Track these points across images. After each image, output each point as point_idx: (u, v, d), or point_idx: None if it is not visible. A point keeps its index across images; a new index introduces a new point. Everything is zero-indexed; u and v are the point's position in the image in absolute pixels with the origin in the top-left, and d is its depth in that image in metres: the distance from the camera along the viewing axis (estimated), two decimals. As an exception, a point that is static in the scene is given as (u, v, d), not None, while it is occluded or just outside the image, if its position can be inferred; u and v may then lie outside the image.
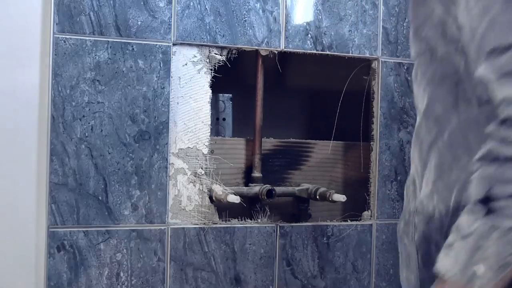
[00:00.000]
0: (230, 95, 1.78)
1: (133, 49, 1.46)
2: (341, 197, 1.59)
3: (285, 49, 1.61)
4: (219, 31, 1.54)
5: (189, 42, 1.52)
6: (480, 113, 0.87)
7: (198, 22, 1.52)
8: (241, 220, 1.60)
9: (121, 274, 1.46)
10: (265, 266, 1.60)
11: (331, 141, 1.76)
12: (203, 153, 1.56)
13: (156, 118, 1.49)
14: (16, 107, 1.41)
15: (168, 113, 1.50)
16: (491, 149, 0.78)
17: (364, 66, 1.74)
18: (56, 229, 1.41)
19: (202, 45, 1.54)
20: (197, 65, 1.55)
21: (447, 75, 0.91)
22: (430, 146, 0.95)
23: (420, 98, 0.98)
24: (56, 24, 1.40)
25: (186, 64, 1.54)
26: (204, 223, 1.55)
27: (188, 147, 1.54)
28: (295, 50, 1.62)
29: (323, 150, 1.77)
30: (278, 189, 1.65)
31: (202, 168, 1.56)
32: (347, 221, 1.71)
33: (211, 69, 1.57)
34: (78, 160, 1.42)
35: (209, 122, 1.57)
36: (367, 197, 1.74)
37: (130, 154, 1.46)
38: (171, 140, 1.51)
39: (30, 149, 1.42)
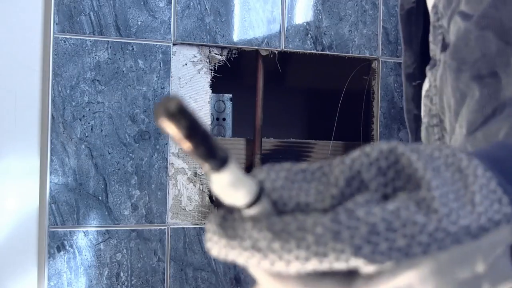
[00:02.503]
0: (230, 95, 1.78)
1: (133, 49, 1.46)
2: (341, 197, 1.59)
3: (285, 49, 1.61)
4: (219, 31, 1.54)
5: (189, 42, 1.52)
6: None
7: (198, 22, 1.52)
8: (241, 220, 1.60)
9: (121, 274, 1.46)
10: (265, 266, 1.60)
11: (331, 141, 1.76)
12: (203, 153, 1.56)
13: (156, 118, 1.49)
14: (17, 107, 1.41)
15: (168, 113, 1.50)
16: None
17: (364, 66, 1.74)
18: (56, 229, 1.41)
19: (202, 45, 1.54)
20: (197, 65, 1.55)
21: None
22: (479, 69, 0.62)
23: None
24: (56, 24, 1.40)
25: (186, 64, 1.54)
26: (204, 223, 1.55)
27: (188, 147, 1.54)
28: (295, 50, 1.62)
29: (323, 150, 1.77)
30: (278, 189, 1.65)
31: (202, 168, 1.56)
32: (347, 221, 1.70)
33: (211, 69, 1.57)
34: (78, 160, 1.42)
35: (209, 122, 1.57)
36: (367, 197, 1.73)
37: (130, 154, 1.46)
38: (171, 140, 1.51)
39: (30, 149, 1.42)
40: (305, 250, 0.33)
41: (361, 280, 0.35)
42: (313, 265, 0.33)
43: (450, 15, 0.68)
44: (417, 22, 0.88)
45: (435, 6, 0.72)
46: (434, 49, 0.73)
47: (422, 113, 0.80)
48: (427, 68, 0.75)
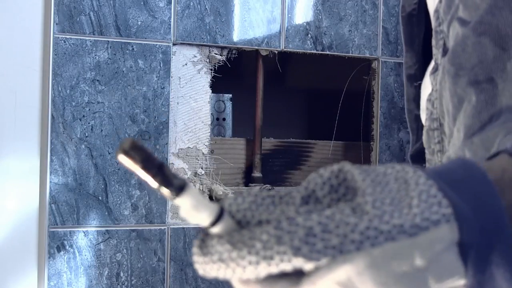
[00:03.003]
0: (230, 95, 1.78)
1: (133, 49, 1.46)
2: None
3: (285, 49, 1.61)
4: (219, 31, 1.54)
5: (189, 42, 1.52)
6: None
7: (198, 22, 1.52)
8: (241, 220, 1.60)
9: (121, 274, 1.46)
10: (265, 266, 1.60)
11: (331, 141, 1.76)
12: (203, 153, 1.56)
13: (156, 118, 1.49)
14: (17, 107, 1.41)
15: (168, 113, 1.50)
16: None
17: (364, 66, 1.74)
18: (56, 229, 1.41)
19: (202, 45, 1.54)
20: (197, 65, 1.55)
21: None
22: (476, 75, 0.63)
23: None
24: (56, 24, 1.40)
25: (186, 64, 1.54)
26: (204, 223, 1.55)
27: (188, 147, 1.54)
28: (295, 50, 1.62)
29: (323, 150, 1.77)
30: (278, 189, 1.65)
31: (202, 168, 1.56)
32: (347, 221, 1.70)
33: (211, 69, 1.57)
34: (78, 160, 1.42)
35: (209, 122, 1.57)
36: (367, 197, 1.73)
37: (130, 154, 1.46)
38: (171, 140, 1.51)
39: (30, 149, 1.42)
40: (255, 255, 0.39)
41: (306, 278, 0.40)
42: (264, 268, 0.39)
43: (449, 20, 0.69)
44: (418, 23, 0.88)
45: (436, 11, 0.73)
46: (436, 53, 0.73)
47: (424, 117, 0.80)
48: (430, 72, 0.75)
